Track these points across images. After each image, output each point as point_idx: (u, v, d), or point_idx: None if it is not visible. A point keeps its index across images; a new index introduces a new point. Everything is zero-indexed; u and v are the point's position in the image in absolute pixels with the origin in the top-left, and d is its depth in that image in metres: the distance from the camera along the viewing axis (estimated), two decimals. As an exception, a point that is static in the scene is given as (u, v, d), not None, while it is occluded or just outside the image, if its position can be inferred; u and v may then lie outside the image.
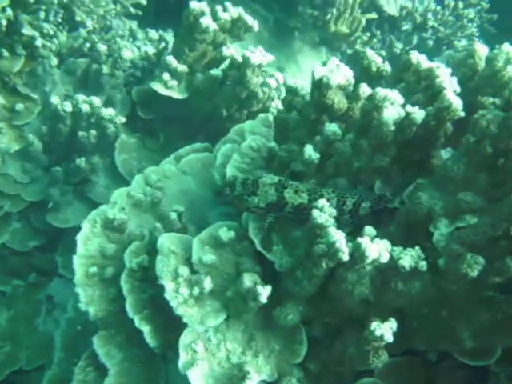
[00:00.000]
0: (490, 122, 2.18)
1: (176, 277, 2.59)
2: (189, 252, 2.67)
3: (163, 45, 4.62)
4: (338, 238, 2.21)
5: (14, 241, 4.22)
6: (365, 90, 2.71)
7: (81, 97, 3.88)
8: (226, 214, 3.19)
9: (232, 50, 4.01)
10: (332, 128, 2.67)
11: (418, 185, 2.45)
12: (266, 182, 2.62)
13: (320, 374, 2.66)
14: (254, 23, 4.12)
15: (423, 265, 2.22)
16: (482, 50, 2.66)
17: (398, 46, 6.13)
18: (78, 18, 4.06)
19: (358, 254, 2.20)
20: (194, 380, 2.43)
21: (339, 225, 2.37)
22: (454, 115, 2.41)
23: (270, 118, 3.43)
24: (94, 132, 3.94)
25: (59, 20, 3.99)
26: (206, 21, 3.85)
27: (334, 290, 2.42)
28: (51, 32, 3.92)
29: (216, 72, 3.98)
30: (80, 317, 3.51)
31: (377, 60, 2.97)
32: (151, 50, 4.52)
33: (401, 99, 2.48)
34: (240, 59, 3.84)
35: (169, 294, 2.55)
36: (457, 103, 2.40)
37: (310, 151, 2.65)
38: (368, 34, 5.77)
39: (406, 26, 6.20)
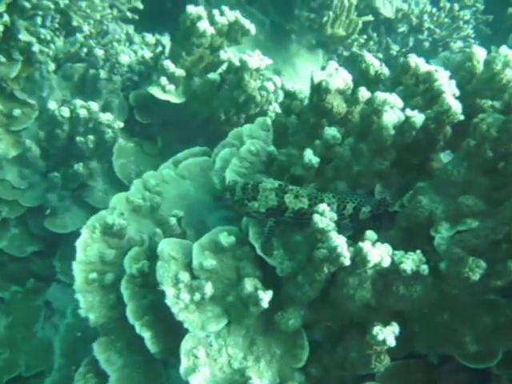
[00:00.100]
0: (490, 126, 2.19)
1: (177, 282, 2.58)
2: (189, 257, 2.67)
3: (160, 49, 4.61)
4: (340, 242, 2.20)
5: (12, 247, 4.21)
6: (364, 93, 2.71)
7: (78, 102, 3.87)
8: (224, 217, 3.18)
9: (229, 54, 4.01)
10: (331, 132, 2.67)
11: (419, 188, 2.45)
12: (267, 187, 2.62)
13: (322, 378, 2.66)
14: (251, 27, 4.12)
15: (425, 268, 2.23)
16: (480, 53, 2.66)
17: (395, 48, 6.14)
18: (74, 23, 4.05)
19: (359, 258, 2.20)
20: (195, 386, 2.43)
21: (340, 229, 2.37)
22: (453, 119, 2.41)
23: (268, 121, 3.42)
24: (91, 137, 3.92)
25: (56, 25, 3.97)
26: (204, 25, 3.84)
27: (336, 294, 2.42)
28: (48, 37, 3.90)
29: (213, 76, 3.98)
30: (79, 323, 3.50)
31: (375, 63, 2.98)
32: (148, 54, 4.51)
33: (400, 103, 2.48)
34: (237, 63, 3.84)
35: (170, 300, 2.54)
36: (456, 107, 2.40)
37: (310, 155, 2.65)
38: (365, 37, 5.77)
39: (402, 28, 6.20)
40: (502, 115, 2.26)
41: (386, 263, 2.21)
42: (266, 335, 2.65)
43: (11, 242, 4.21)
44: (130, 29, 5.06)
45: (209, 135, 4.09)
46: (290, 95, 3.03)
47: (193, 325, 2.52)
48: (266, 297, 2.41)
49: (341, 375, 2.62)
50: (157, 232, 3.06)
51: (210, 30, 3.91)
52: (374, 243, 2.25)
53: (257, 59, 3.81)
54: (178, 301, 2.54)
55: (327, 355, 2.61)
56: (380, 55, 5.88)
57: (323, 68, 2.74)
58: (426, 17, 6.22)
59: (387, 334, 2.22)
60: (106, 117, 3.92)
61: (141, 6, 4.67)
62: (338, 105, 2.71)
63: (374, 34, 6.06)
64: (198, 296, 2.54)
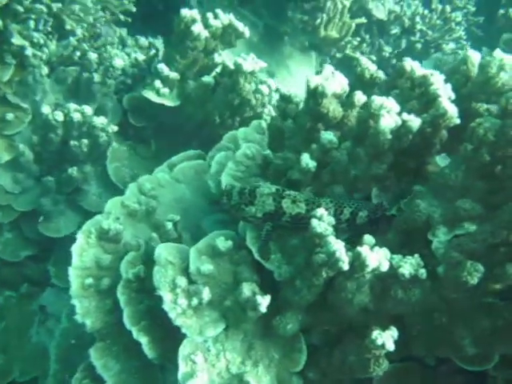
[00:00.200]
0: (488, 130, 2.20)
1: (174, 287, 2.57)
2: (186, 262, 2.66)
3: (154, 52, 4.60)
4: (338, 247, 2.20)
5: (6, 251, 4.17)
6: (359, 97, 2.70)
7: (72, 106, 3.83)
8: (220, 221, 3.18)
9: (224, 57, 4.01)
10: (328, 136, 2.67)
11: (417, 192, 2.46)
12: (264, 191, 2.61)
13: (320, 382, 2.66)
14: (244, 29, 4.11)
15: (423, 272, 2.23)
16: (474, 56, 2.67)
17: (387, 50, 6.16)
18: (67, 27, 4.01)
19: (357, 262, 2.21)
20: (194, 391, 2.42)
21: (337, 233, 2.37)
22: (449, 122, 2.42)
23: (263, 124, 3.43)
24: (85, 141, 3.90)
25: (49, 29, 3.94)
26: (198, 28, 3.84)
27: (334, 298, 2.42)
28: (41, 41, 3.87)
29: (208, 79, 3.98)
30: (75, 327, 3.47)
31: (370, 67, 2.98)
32: (141, 57, 4.49)
33: (397, 107, 2.48)
34: (232, 66, 3.85)
35: (167, 305, 2.53)
36: (452, 110, 2.41)
37: (306, 159, 2.65)
38: (358, 39, 5.79)
39: (395, 30, 6.22)
40: (497, 119, 2.27)
41: (385, 268, 2.21)
42: (264, 339, 2.64)
43: (5, 246, 4.17)
44: (123, 32, 5.04)
45: (203, 138, 4.07)
46: (285, 99, 3.03)
47: (190, 330, 2.51)
48: (264, 301, 2.41)
49: (339, 379, 2.62)
50: (153, 236, 3.05)
51: (204, 33, 3.90)
52: (372, 247, 2.25)
53: (251, 62, 3.81)
54: (175, 306, 2.53)
55: (325, 359, 2.61)
56: (373, 57, 5.89)
57: (319, 72, 2.74)
58: (418, 18, 6.25)
59: (386, 338, 2.22)
60: (100, 120, 3.90)
61: (133, 9, 4.64)
62: (334, 109, 2.71)
63: (367, 36, 6.08)
64: (195, 301, 2.53)
